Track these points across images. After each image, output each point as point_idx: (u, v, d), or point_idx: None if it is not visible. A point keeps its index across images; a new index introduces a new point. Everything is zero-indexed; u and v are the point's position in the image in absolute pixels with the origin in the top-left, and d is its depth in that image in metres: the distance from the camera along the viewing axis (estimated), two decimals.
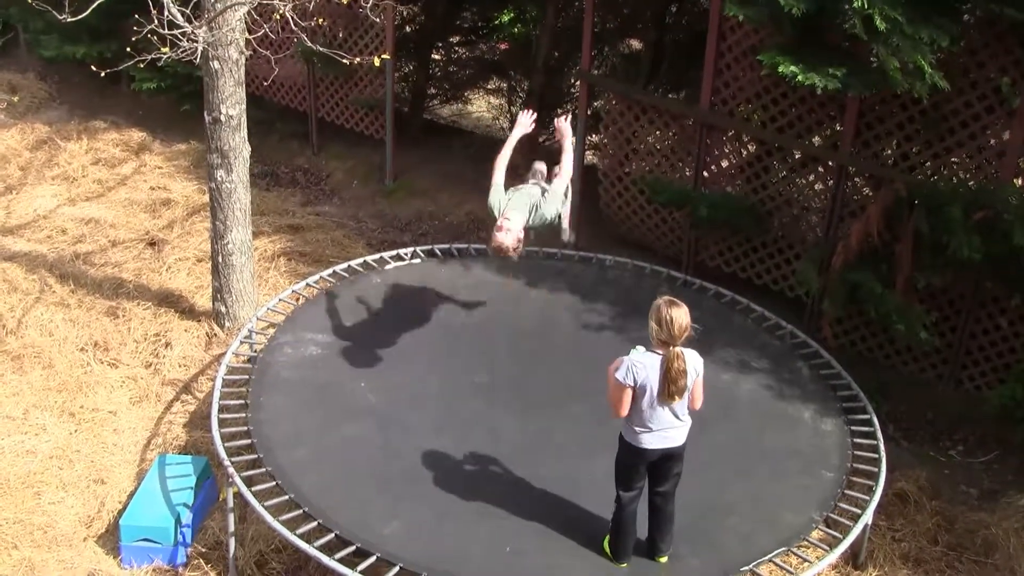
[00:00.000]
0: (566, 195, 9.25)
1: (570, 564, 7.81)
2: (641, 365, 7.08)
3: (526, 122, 9.28)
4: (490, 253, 9.21)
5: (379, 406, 9.38)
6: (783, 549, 7.97)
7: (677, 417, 7.29)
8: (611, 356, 9.60)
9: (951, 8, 9.62)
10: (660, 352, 7.09)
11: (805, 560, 8.00)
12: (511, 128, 9.49)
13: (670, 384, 7.06)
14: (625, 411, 7.19)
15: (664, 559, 7.82)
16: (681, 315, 6.99)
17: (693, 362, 7.23)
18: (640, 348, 7.20)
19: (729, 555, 7.92)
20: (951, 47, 9.37)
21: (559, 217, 9.14)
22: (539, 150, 13.53)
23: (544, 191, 9.07)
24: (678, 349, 7.06)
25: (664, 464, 7.47)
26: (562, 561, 7.83)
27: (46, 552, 8.68)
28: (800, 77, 9.67)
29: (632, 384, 7.08)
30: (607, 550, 7.85)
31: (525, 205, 8.88)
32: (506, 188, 8.99)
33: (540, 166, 9.66)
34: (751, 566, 7.78)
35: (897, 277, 10.26)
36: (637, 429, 7.26)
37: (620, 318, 10.83)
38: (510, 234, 8.66)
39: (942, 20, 9.24)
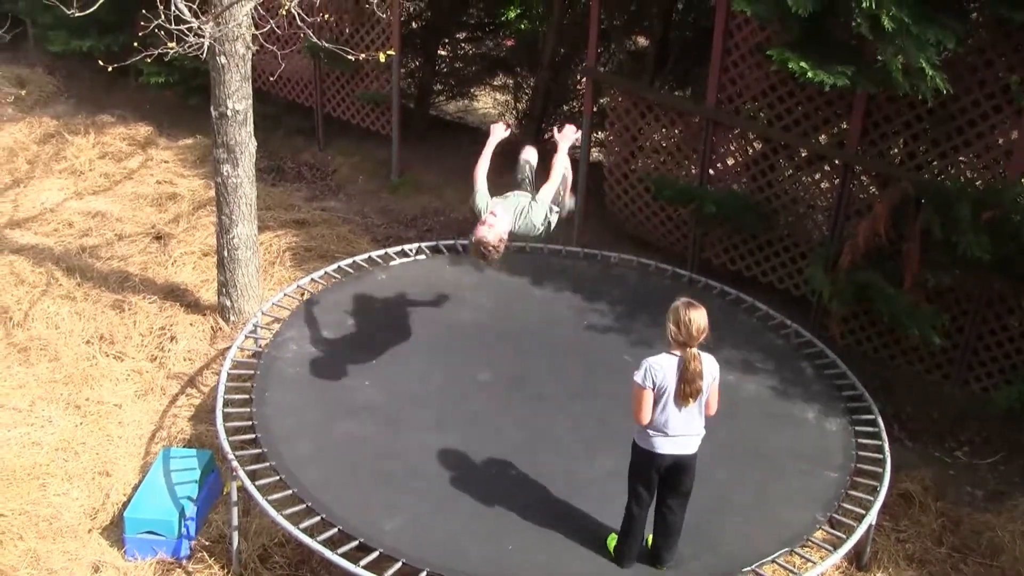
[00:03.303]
0: (559, 193, 8.97)
1: (571, 562, 7.82)
2: (659, 367, 7.09)
3: (499, 131, 9.12)
4: (470, 251, 8.76)
5: (383, 402, 9.38)
6: (787, 549, 7.96)
7: (693, 425, 7.29)
8: (615, 354, 9.64)
9: (959, 8, 9.60)
10: (677, 353, 7.11)
11: (808, 560, 8.00)
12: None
13: (686, 385, 7.06)
14: (647, 417, 7.18)
15: (664, 569, 7.82)
16: (699, 316, 7.01)
17: (710, 366, 7.24)
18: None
19: (732, 554, 7.92)
20: (957, 47, 9.34)
21: (547, 227, 8.84)
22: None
23: (532, 198, 8.77)
24: (695, 351, 7.07)
25: (675, 474, 7.47)
26: (564, 559, 7.84)
27: (51, 543, 8.70)
28: (809, 74, 9.64)
29: (651, 386, 7.10)
30: (611, 549, 7.87)
31: (512, 208, 8.66)
32: (492, 196, 8.76)
33: (530, 155, 9.37)
34: (755, 566, 7.78)
35: (905, 276, 10.24)
36: (651, 433, 7.26)
37: (624, 316, 10.83)
38: (493, 230, 8.39)
39: (949, 20, 9.21)
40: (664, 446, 7.28)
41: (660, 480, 7.52)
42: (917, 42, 9.05)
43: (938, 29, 9.10)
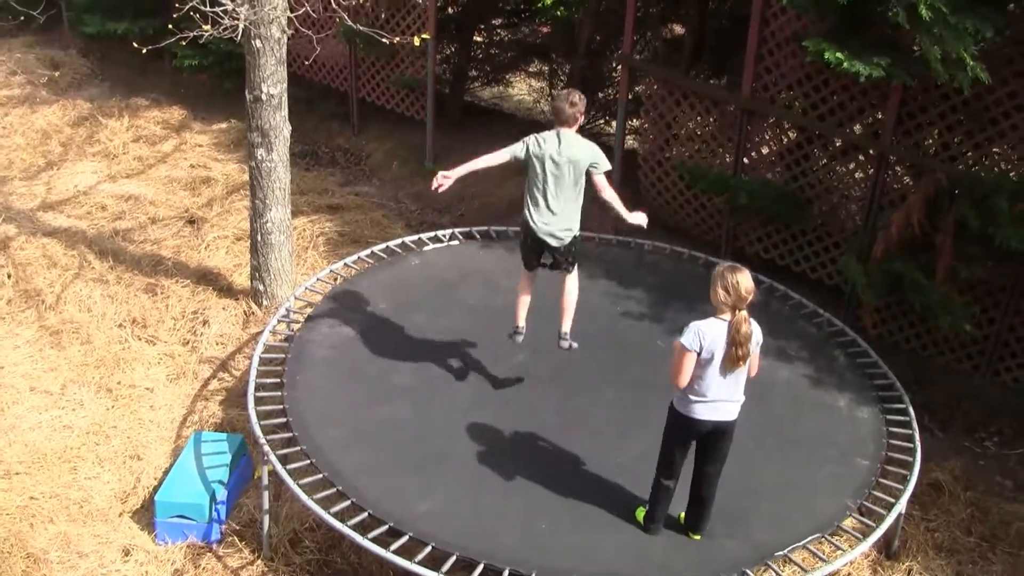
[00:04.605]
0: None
1: (603, 543, 7.84)
2: (708, 331, 7.06)
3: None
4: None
5: (414, 387, 9.41)
6: (817, 536, 7.96)
7: (734, 390, 7.27)
8: (647, 341, 9.60)
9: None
10: (725, 318, 7.08)
11: (838, 548, 7.99)
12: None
13: (736, 348, 7.03)
14: (686, 380, 7.16)
15: (698, 536, 7.86)
16: (745, 278, 6.99)
17: (755, 330, 7.21)
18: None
19: (763, 539, 7.93)
20: (995, 38, 9.27)
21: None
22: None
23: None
24: (744, 313, 7.04)
25: (714, 440, 7.46)
26: (595, 540, 7.86)
27: (82, 526, 8.76)
28: (845, 64, 9.59)
29: (698, 349, 7.06)
30: (639, 519, 7.93)
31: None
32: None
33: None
34: (785, 551, 7.79)
35: (937, 267, 10.19)
36: (692, 398, 7.23)
37: (657, 303, 10.81)
38: None
39: (987, 10, 9.14)
40: (705, 412, 7.26)
41: (698, 447, 7.54)
42: (955, 32, 8.96)
43: (976, 18, 9.01)
